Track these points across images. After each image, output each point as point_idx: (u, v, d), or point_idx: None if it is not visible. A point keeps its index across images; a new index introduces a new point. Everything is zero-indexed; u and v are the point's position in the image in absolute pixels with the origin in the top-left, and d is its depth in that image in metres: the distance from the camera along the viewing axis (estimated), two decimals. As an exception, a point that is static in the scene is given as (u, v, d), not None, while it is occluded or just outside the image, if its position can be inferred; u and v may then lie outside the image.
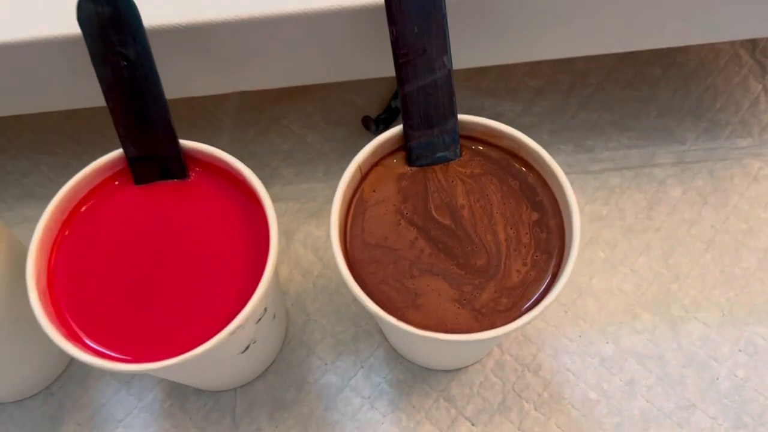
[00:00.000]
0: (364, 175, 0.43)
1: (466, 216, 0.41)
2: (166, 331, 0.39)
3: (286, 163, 0.57)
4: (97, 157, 0.42)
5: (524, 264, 0.40)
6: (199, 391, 0.51)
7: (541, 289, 0.39)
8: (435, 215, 0.41)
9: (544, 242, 0.41)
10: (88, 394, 0.51)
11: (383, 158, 0.43)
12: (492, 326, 0.38)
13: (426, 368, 0.52)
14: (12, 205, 0.58)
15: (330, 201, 0.40)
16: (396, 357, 0.52)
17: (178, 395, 0.51)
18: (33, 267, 0.39)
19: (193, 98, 0.60)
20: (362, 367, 0.51)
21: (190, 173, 0.43)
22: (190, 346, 0.37)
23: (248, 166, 0.41)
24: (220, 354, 0.40)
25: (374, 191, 0.42)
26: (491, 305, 0.39)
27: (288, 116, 0.59)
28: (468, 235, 0.41)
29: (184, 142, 0.42)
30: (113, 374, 0.50)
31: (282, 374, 0.51)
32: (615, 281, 0.53)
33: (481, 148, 0.43)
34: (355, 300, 0.40)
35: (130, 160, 0.42)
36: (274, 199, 0.40)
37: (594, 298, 0.52)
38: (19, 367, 0.48)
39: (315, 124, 0.59)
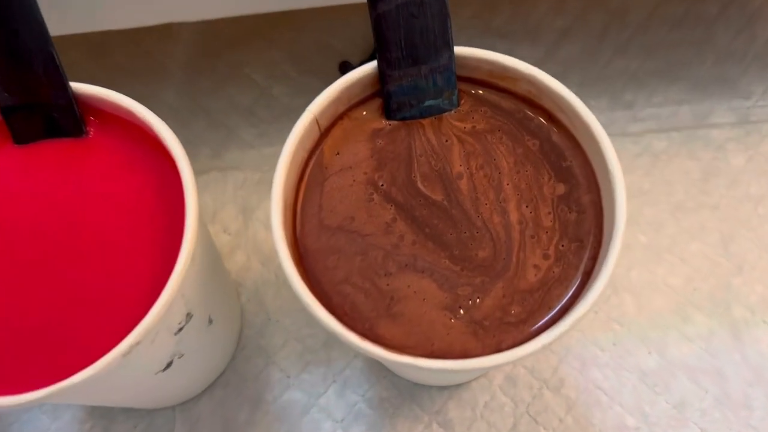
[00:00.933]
0: (325, 131, 0.31)
1: (464, 189, 0.30)
2: (50, 348, 0.28)
3: (246, 122, 0.46)
4: None
5: (545, 257, 0.28)
6: (129, 410, 0.40)
7: (569, 293, 0.28)
8: (421, 188, 0.30)
9: (573, 226, 0.29)
10: (-10, 412, 0.41)
11: (351, 108, 0.31)
12: (498, 347, 0.27)
13: (416, 384, 0.40)
14: None
15: None
16: (378, 369, 0.41)
17: (102, 415, 0.40)
18: None
19: (133, 41, 0.49)
20: (335, 381, 0.40)
21: (88, 129, 0.31)
22: (80, 367, 0.27)
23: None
24: (121, 379, 0.29)
25: (338, 154, 0.31)
26: (497, 315, 0.28)
27: (249, 64, 0.48)
28: (467, 216, 0.29)
29: (78, 86, 0.31)
30: None
31: (233, 389, 0.40)
32: (660, 273, 0.41)
33: (487, 94, 0.31)
34: None
35: (4, 110, 0.30)
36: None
37: (632, 294, 0.40)
38: None
39: (282, 73, 0.47)
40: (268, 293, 0.43)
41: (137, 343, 0.26)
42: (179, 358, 0.33)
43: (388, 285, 0.28)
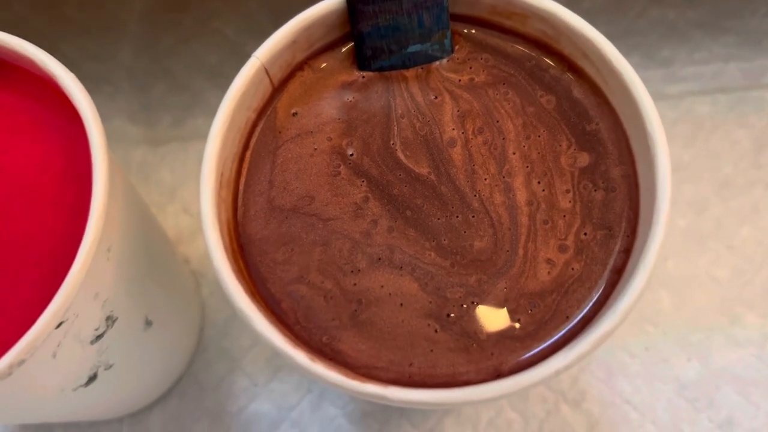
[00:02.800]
0: (279, 85, 0.24)
1: (457, 160, 0.23)
2: None
3: (213, 84, 0.40)
4: None
5: (562, 249, 0.21)
6: (68, 423, 0.34)
7: (594, 298, 0.21)
8: (402, 158, 0.23)
9: (600, 208, 0.22)
10: None
11: (312, 56, 0.25)
12: (497, 369, 0.21)
13: (406, 395, 0.34)
14: None
15: None
16: (362, 376, 0.34)
17: (38, 428, 0.34)
18: None
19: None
20: (310, 391, 0.34)
21: (-17, 84, 0.25)
22: None
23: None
24: (15, 399, 0.22)
25: (295, 115, 0.24)
26: (498, 327, 0.21)
27: (220, 16, 0.41)
28: (460, 195, 0.22)
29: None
30: None
31: (190, 399, 0.34)
32: (702, 264, 0.34)
33: (489, 37, 0.24)
34: None
35: None
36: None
37: (669, 289, 0.34)
38: None
39: (259, 26, 0.41)
40: (234, 285, 0.36)
41: (20, 363, 0.20)
42: (106, 369, 0.26)
43: (355, 285, 0.22)
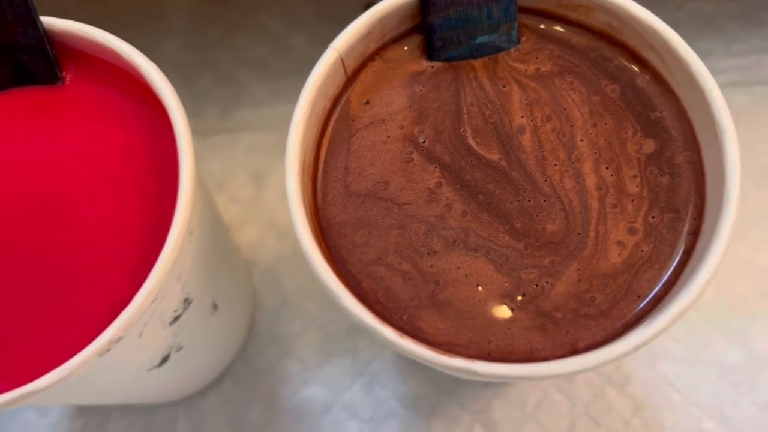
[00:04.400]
0: (352, 75, 0.25)
1: (527, 146, 0.24)
2: (15, 342, 0.23)
3: (259, 77, 0.41)
4: None
5: (631, 231, 0.22)
6: (126, 406, 0.35)
7: (664, 278, 0.22)
8: (473, 145, 0.24)
9: (666, 192, 0.23)
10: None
11: (384, 47, 0.25)
12: (573, 346, 0.21)
13: (455, 379, 0.35)
14: None
15: None
16: (412, 360, 0.35)
17: (96, 410, 0.35)
18: None
19: (131, -14, 0.43)
20: (362, 374, 0.35)
21: (64, 74, 0.26)
22: (49, 367, 0.21)
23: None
24: (101, 379, 0.23)
25: (367, 103, 0.25)
26: (572, 306, 0.22)
27: (264, 9, 0.42)
28: (531, 180, 0.23)
29: (50, 22, 0.25)
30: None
31: (244, 383, 0.35)
32: (743, 252, 0.35)
33: (554, 29, 0.25)
34: None
35: (-39, 51, 0.25)
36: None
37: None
38: None
39: (302, 20, 0.42)
40: (284, 272, 0.37)
41: (118, 340, 0.21)
42: (177, 351, 0.27)
43: (432, 266, 0.22)
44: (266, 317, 0.37)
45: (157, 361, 0.27)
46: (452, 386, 0.35)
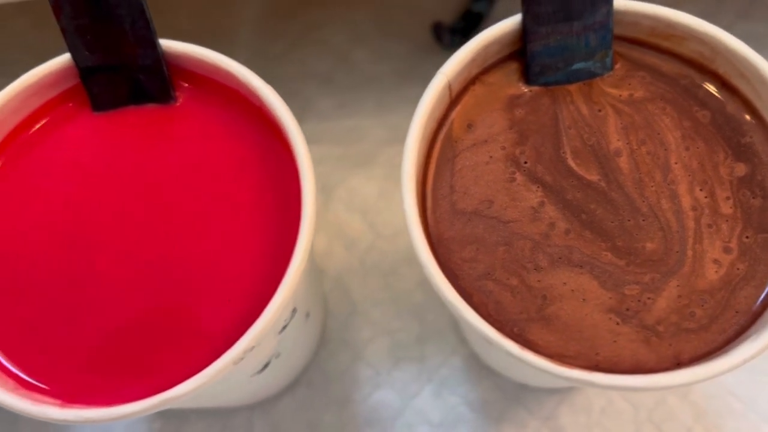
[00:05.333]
0: (455, 98, 0.26)
1: (624, 168, 0.25)
2: (133, 351, 0.24)
3: (323, 91, 0.42)
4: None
5: (726, 250, 0.24)
6: (204, 409, 0.36)
7: (762, 296, 0.23)
8: (572, 166, 0.25)
9: (758, 213, 0.24)
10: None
11: (484, 72, 0.27)
12: (676, 358, 0.23)
13: (521, 385, 0.36)
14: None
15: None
16: (479, 368, 0.37)
17: (173, 414, 0.36)
18: None
19: (197, 3, 0.44)
20: (430, 380, 0.36)
21: (177, 94, 0.27)
22: (166, 374, 0.23)
23: None
24: (219, 384, 0.25)
25: (470, 126, 0.26)
26: (673, 320, 0.23)
27: (327, 25, 0.43)
28: (629, 201, 0.24)
29: (168, 44, 0.27)
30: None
31: (317, 388, 0.36)
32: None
33: (645, 56, 0.27)
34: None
35: (84, 71, 0.26)
36: (307, 141, 0.25)
37: None
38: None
39: (364, 35, 0.43)
40: (352, 281, 0.39)
41: (251, 348, 0.22)
42: (276, 357, 0.29)
43: (539, 282, 0.24)
44: (337, 324, 0.38)
45: (260, 367, 0.28)
46: (519, 392, 0.36)
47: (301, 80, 0.43)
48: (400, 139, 0.24)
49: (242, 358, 0.22)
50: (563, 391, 0.36)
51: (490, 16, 0.43)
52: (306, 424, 0.36)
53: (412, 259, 0.39)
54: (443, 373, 0.37)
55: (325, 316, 0.38)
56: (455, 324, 0.37)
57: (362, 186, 0.41)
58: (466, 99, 0.26)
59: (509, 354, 0.22)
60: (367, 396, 0.37)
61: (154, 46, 0.26)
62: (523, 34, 0.26)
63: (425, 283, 0.38)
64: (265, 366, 0.28)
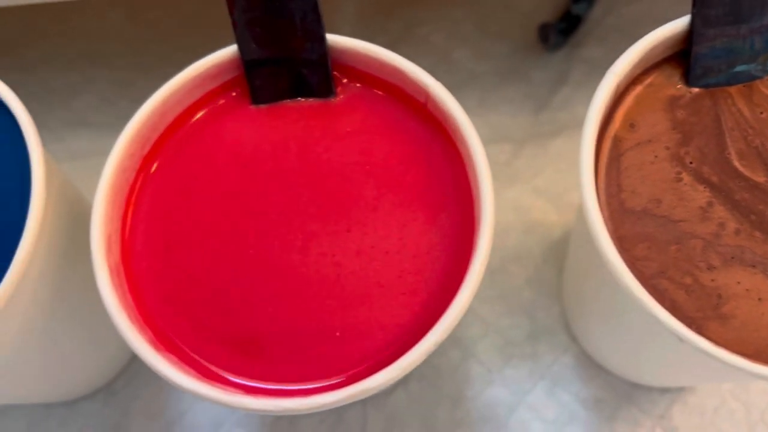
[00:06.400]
0: (617, 98, 0.27)
1: (791, 170, 0.25)
2: (309, 341, 0.25)
3: (426, 89, 0.41)
4: (171, 74, 0.26)
5: None
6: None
7: None
8: (739, 167, 0.25)
9: None
10: (161, 398, 0.37)
11: (644, 73, 0.27)
12: None
13: (634, 384, 0.36)
14: (61, 134, 0.43)
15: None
16: (590, 365, 0.37)
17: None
18: (101, 229, 0.24)
19: None
20: (543, 378, 0.37)
21: (337, 89, 0.27)
22: (341, 360, 0.24)
23: None
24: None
25: (632, 126, 0.26)
26: None
27: (427, 23, 0.43)
28: (798, 202, 0.25)
29: (334, 39, 0.27)
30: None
31: (429, 382, 0.37)
32: None
33: (806, 60, 0.27)
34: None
35: (248, 63, 0.26)
36: None
37: None
38: (73, 362, 0.34)
39: (465, 34, 0.43)
40: (461, 278, 0.39)
41: (437, 344, 0.23)
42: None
43: (712, 281, 0.24)
44: (446, 320, 0.38)
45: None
46: (631, 391, 0.37)
47: (401, 77, 0.43)
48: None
49: (432, 351, 0.22)
50: (674, 391, 0.36)
51: (588, 18, 0.44)
52: (420, 418, 0.36)
53: (521, 256, 0.39)
54: (555, 370, 0.37)
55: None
56: (566, 322, 0.38)
57: (466, 184, 0.41)
58: (627, 99, 0.27)
59: (703, 352, 0.22)
60: (479, 392, 0.37)
61: (323, 40, 0.26)
62: (690, 35, 0.26)
63: (534, 281, 0.38)
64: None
